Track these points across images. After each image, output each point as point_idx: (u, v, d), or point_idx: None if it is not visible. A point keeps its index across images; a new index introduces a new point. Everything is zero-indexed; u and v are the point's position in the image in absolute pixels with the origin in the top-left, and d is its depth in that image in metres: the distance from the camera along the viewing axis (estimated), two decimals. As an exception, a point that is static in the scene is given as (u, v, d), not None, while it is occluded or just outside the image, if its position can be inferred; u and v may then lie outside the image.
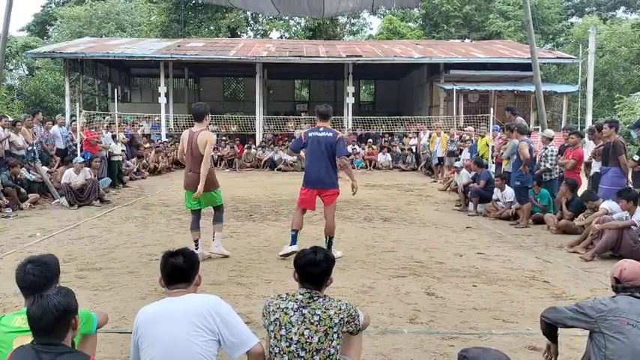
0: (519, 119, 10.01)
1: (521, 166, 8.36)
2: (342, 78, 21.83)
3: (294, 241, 6.03)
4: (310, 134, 6.06)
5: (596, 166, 8.58)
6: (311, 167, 6.06)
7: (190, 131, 5.91)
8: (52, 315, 2.10)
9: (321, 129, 6.04)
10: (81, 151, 11.92)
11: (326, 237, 6.12)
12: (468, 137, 14.23)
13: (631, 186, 7.24)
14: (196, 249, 5.78)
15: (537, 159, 9.30)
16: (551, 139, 9.26)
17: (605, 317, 2.68)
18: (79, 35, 28.98)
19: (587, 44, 18.94)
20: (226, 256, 6.07)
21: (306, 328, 2.53)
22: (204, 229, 6.42)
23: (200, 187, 5.68)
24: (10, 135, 10.22)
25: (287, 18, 31.66)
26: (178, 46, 22.57)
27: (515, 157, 8.64)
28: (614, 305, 2.74)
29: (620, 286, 2.84)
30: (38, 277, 2.52)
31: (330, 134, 5.98)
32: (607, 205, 6.79)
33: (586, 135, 10.23)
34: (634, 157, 7.75)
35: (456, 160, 13.19)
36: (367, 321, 2.92)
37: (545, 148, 9.13)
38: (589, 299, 2.88)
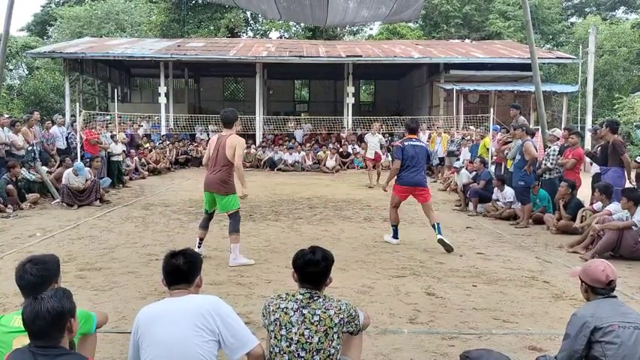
0: (521, 118, 10.02)
1: (527, 165, 8.34)
2: (342, 78, 21.82)
3: (395, 235, 7.15)
4: (406, 143, 7.06)
5: (596, 167, 8.60)
6: (410, 170, 6.99)
7: (219, 135, 6.03)
8: (45, 319, 2.08)
9: (414, 140, 7.15)
10: (81, 150, 11.92)
11: (433, 225, 6.83)
12: (468, 137, 14.25)
13: (634, 186, 7.27)
14: (199, 247, 5.99)
15: (540, 159, 9.30)
16: (558, 139, 9.28)
17: (598, 326, 2.66)
18: (79, 35, 28.96)
19: (588, 44, 18.96)
20: (250, 265, 5.82)
21: (306, 328, 2.53)
22: (210, 231, 6.44)
23: (244, 189, 5.95)
24: (9, 136, 10.24)
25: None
26: (178, 46, 22.56)
27: (519, 157, 8.62)
28: (599, 310, 2.73)
29: (609, 287, 2.83)
30: (36, 277, 2.52)
31: (423, 144, 7.34)
32: (613, 207, 6.80)
33: (588, 134, 10.24)
34: (637, 159, 7.77)
35: (456, 160, 13.19)
36: (367, 321, 2.91)
37: (548, 147, 9.13)
38: (569, 324, 2.80)
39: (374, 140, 14.12)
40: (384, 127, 20.30)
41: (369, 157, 14.09)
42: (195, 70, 26.63)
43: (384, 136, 19.96)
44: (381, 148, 14.71)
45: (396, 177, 7.12)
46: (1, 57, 9.16)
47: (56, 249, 6.28)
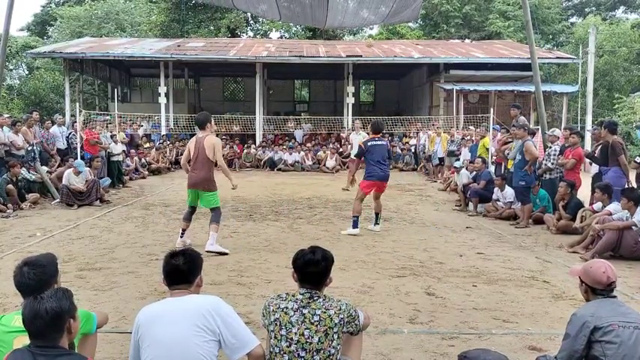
0: (522, 118, 10.03)
1: (527, 165, 8.33)
2: (342, 78, 21.82)
3: (356, 225, 7.54)
4: (370, 143, 7.68)
5: (596, 167, 8.60)
6: (376, 166, 7.60)
7: (196, 137, 6.44)
8: (43, 319, 2.08)
9: (377, 139, 7.73)
10: (81, 150, 11.93)
11: (377, 214, 7.88)
12: (468, 137, 14.25)
13: (634, 186, 7.27)
14: (181, 237, 6.50)
15: (540, 159, 9.30)
16: (558, 138, 9.29)
17: (597, 326, 2.66)
18: (79, 35, 28.96)
19: (588, 44, 18.96)
20: (225, 254, 6.18)
21: (306, 328, 2.53)
22: (203, 228, 6.45)
23: (232, 182, 6.54)
24: (9, 137, 10.24)
25: (287, 18, 31.63)
26: (178, 46, 22.56)
27: (519, 157, 8.60)
28: (599, 310, 2.73)
29: (610, 288, 2.83)
30: (34, 281, 2.52)
31: (384, 142, 7.86)
32: (613, 207, 6.80)
33: (588, 135, 10.24)
34: (636, 159, 7.77)
35: (455, 160, 13.18)
36: (367, 321, 2.91)
37: (549, 147, 9.14)
38: (569, 324, 2.79)
39: (358, 139, 13.37)
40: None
41: (353, 158, 13.68)
42: (195, 70, 26.63)
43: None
44: None
45: (365, 174, 7.69)
46: (1, 57, 9.15)
47: (56, 249, 6.27)
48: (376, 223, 7.86)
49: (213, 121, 6.59)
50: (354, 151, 13.46)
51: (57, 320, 2.11)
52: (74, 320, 2.20)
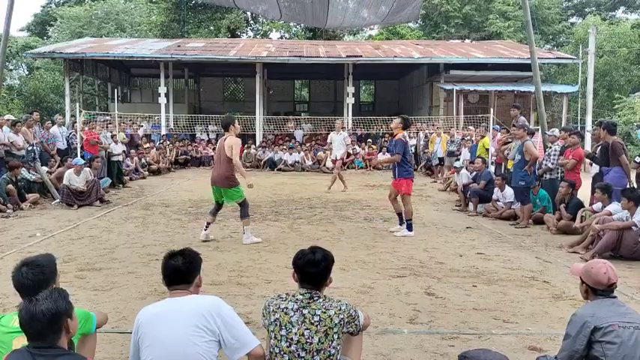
0: (522, 118, 10.04)
1: (527, 165, 8.32)
2: (342, 78, 21.82)
3: (410, 228, 7.52)
4: (408, 139, 7.69)
5: (596, 167, 8.60)
6: (409, 164, 7.62)
7: (220, 138, 7.00)
8: (40, 321, 2.08)
9: (405, 134, 7.69)
10: (81, 150, 11.93)
11: (401, 214, 7.72)
12: (468, 137, 14.25)
13: (635, 186, 7.26)
14: (205, 229, 6.89)
15: (540, 159, 9.30)
16: (559, 138, 9.29)
17: (598, 326, 2.66)
18: (79, 35, 28.99)
19: (588, 44, 18.98)
20: (258, 242, 6.82)
21: (306, 329, 2.53)
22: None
23: (246, 180, 6.90)
24: (10, 137, 10.24)
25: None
26: (178, 46, 22.56)
27: (519, 157, 8.60)
28: (599, 311, 2.73)
29: (610, 289, 2.83)
30: (32, 281, 2.52)
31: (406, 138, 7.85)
32: (613, 207, 6.80)
33: (588, 135, 10.24)
34: (636, 159, 7.76)
35: (455, 160, 13.18)
36: (367, 321, 2.91)
37: (549, 147, 9.13)
38: (569, 324, 2.80)
39: (338, 139, 12.89)
40: (384, 127, 20.09)
41: (333, 158, 13.16)
42: (195, 70, 26.63)
43: (383, 137, 19.40)
44: (346, 146, 13.29)
45: (403, 172, 7.51)
46: (1, 57, 9.16)
47: (56, 249, 6.28)
48: (402, 223, 7.64)
49: (237, 122, 7.02)
50: (337, 149, 12.93)
51: (54, 321, 2.11)
52: (71, 319, 2.20)
